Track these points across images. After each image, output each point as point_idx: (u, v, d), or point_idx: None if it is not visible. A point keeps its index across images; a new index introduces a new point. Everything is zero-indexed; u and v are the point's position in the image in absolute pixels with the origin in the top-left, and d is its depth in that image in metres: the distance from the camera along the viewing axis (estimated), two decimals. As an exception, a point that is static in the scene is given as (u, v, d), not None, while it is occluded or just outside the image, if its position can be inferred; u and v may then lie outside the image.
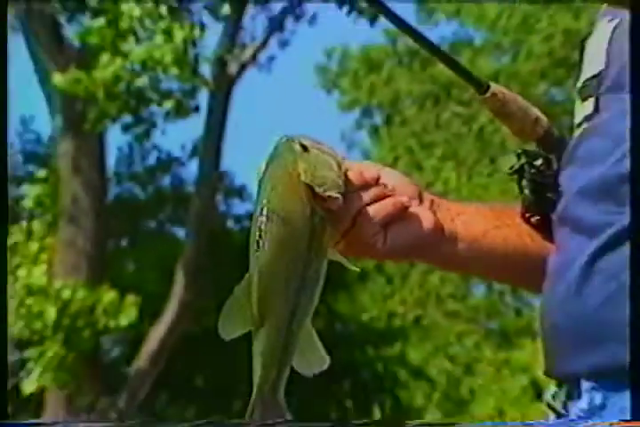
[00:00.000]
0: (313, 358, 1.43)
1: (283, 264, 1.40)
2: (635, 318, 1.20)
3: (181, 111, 10.39)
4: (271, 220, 1.40)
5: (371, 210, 1.45)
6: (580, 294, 1.37)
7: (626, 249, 1.35)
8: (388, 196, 1.46)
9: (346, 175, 1.43)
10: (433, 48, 1.75)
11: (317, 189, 1.39)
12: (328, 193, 1.40)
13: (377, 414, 15.10)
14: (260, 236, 1.40)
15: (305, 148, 1.41)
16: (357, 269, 1.47)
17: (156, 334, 11.29)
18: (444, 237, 1.52)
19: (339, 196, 1.40)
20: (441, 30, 16.59)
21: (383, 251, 1.48)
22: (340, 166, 1.42)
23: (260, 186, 1.43)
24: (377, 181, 1.47)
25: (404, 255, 1.54)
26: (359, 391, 14.75)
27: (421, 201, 1.51)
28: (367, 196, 1.45)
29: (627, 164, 1.37)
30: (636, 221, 1.23)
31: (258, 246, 1.40)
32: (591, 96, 1.48)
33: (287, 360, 1.41)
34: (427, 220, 1.49)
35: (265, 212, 1.41)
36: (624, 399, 1.35)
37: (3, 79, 2.09)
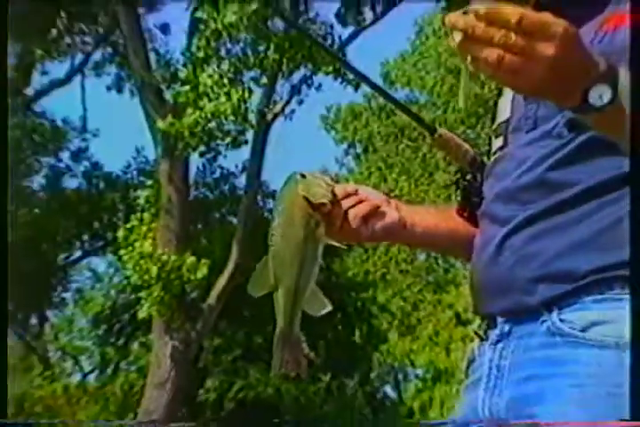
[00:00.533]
0: (319, 306, 1.40)
1: (287, 252, 1.36)
2: (635, 316, 1.11)
3: (236, 144, 10.36)
4: (281, 222, 1.37)
5: (354, 210, 1.40)
6: (495, 262, 1.34)
7: (523, 233, 1.30)
8: (364, 201, 1.42)
9: (333, 190, 1.38)
10: (398, 104, 1.72)
11: (311, 199, 1.35)
12: (319, 201, 1.35)
13: (357, 333, 15.07)
14: (273, 232, 1.37)
15: (304, 176, 1.37)
16: (345, 247, 1.45)
17: (220, 283, 11.27)
18: (406, 227, 1.48)
19: (326, 201, 1.36)
20: (398, 93, 16.53)
21: (366, 237, 1.44)
22: (328, 185, 1.38)
23: (276, 201, 1.41)
24: (356, 192, 1.42)
25: (380, 239, 1.50)
26: (346, 320, 14.71)
27: (388, 204, 1.47)
28: (350, 202, 1.40)
29: (524, 179, 1.32)
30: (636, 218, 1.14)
31: (272, 240, 1.37)
32: (502, 135, 1.44)
33: (297, 310, 1.37)
34: (393, 216, 1.45)
35: (277, 217, 1.38)
36: (522, 330, 1.31)
37: (3, 85, 1.54)
